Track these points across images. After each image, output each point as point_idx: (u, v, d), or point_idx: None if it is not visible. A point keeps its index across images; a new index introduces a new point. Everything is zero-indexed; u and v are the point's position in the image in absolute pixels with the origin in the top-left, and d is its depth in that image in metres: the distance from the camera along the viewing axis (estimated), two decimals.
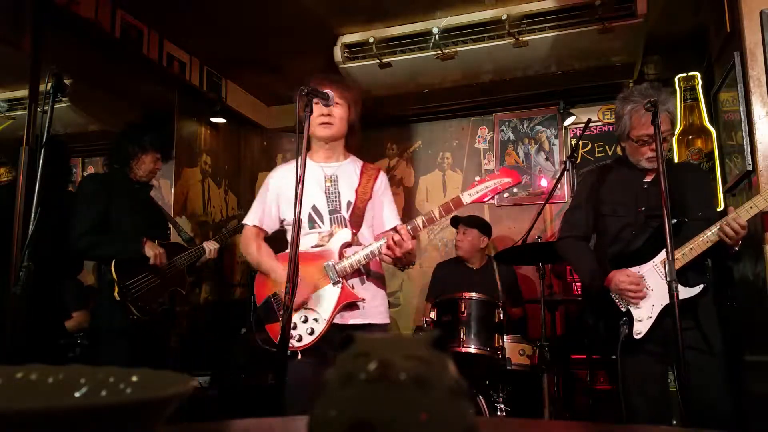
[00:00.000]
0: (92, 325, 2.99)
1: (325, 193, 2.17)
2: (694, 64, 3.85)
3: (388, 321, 2.21)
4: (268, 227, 2.28)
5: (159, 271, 2.91)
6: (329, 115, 2.13)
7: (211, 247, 3.25)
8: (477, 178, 2.00)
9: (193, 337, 4.58)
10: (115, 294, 2.73)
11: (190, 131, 4.72)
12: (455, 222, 3.90)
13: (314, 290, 2.06)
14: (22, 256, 1.94)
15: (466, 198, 1.92)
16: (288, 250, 2.14)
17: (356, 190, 2.18)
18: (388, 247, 1.98)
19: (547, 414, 3.13)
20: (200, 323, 4.70)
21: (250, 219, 2.28)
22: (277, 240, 2.35)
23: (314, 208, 2.16)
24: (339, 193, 2.17)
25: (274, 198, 2.25)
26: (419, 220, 1.98)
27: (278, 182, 2.25)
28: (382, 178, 2.28)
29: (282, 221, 2.27)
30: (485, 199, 1.90)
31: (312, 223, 2.15)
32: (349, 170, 2.24)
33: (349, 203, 2.16)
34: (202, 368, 4.28)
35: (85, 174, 4.84)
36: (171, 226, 3.38)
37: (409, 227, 2.00)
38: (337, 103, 2.13)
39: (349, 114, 2.20)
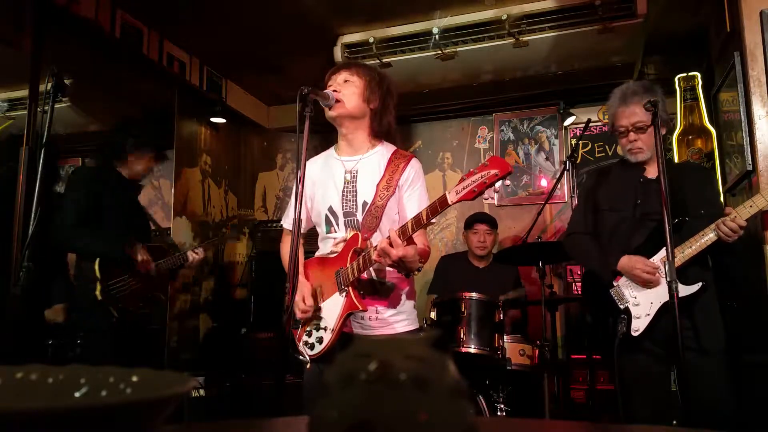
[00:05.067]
0: (72, 323, 2.89)
1: (342, 192, 2.03)
2: (694, 64, 3.85)
3: (411, 328, 2.05)
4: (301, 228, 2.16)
5: (141, 274, 2.85)
6: (336, 91, 2.00)
7: (194, 256, 3.17)
8: (470, 171, 1.74)
9: (193, 337, 4.58)
10: (97, 293, 2.68)
11: (190, 131, 4.72)
12: (473, 222, 3.84)
13: (321, 294, 2.01)
14: (22, 256, 1.94)
15: (452, 197, 1.69)
16: (317, 254, 2.12)
17: (377, 186, 1.99)
18: (378, 255, 1.79)
19: (547, 414, 3.13)
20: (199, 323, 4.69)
21: (284, 220, 2.22)
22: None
23: (330, 210, 2.04)
24: (356, 192, 2.02)
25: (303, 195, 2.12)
26: (408, 224, 1.80)
27: (305, 179, 2.10)
28: (411, 168, 2.03)
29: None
30: (473, 197, 1.66)
31: (329, 227, 2.06)
32: (372, 163, 2.05)
33: (365, 203, 1.99)
34: (201, 368, 4.29)
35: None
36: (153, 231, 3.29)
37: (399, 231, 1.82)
38: (347, 81, 2.03)
39: (364, 93, 2.03)
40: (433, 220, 1.91)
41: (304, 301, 1.98)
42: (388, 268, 1.94)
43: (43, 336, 3.01)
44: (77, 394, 0.45)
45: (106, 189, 2.87)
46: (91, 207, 2.78)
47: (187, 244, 4.23)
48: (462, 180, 1.69)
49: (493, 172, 1.62)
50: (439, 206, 1.74)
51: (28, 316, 2.55)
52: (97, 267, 2.72)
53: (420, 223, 1.77)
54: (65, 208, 2.74)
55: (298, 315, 1.99)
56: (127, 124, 3.00)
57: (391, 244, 1.75)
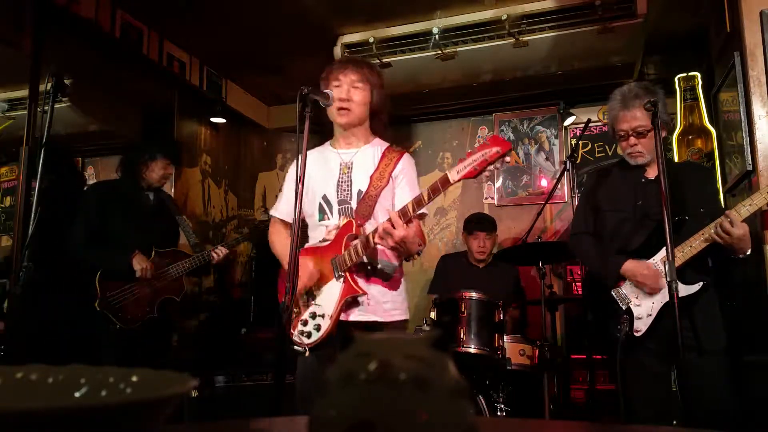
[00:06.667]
0: (78, 332, 3.03)
1: (338, 182, 2.07)
2: (694, 64, 3.85)
3: (402, 318, 2.07)
4: (291, 218, 2.15)
5: (147, 281, 2.95)
6: (348, 100, 2.02)
7: (218, 252, 3.22)
8: (469, 151, 1.77)
9: (194, 338, 4.58)
10: (96, 305, 2.81)
11: (190, 131, 4.72)
12: (473, 228, 3.82)
13: (316, 282, 2.02)
14: (22, 256, 1.94)
15: (454, 175, 1.70)
16: (308, 244, 2.13)
17: (371, 177, 2.04)
18: (380, 236, 1.82)
19: (547, 414, 3.13)
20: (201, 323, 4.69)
21: (274, 209, 2.24)
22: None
23: (325, 198, 2.08)
24: (351, 182, 2.06)
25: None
26: (409, 205, 1.82)
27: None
28: (404, 162, 2.09)
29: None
30: (475, 174, 1.67)
31: (322, 215, 2.09)
32: (367, 156, 2.11)
33: (359, 192, 2.03)
34: (201, 368, 4.28)
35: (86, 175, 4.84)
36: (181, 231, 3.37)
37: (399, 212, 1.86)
38: (357, 87, 2.04)
39: (371, 98, 2.08)
40: (425, 211, 1.95)
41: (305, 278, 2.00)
42: (380, 250, 1.96)
43: (42, 336, 3.03)
44: (77, 394, 0.45)
45: (119, 202, 3.00)
46: (99, 224, 2.94)
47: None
48: (462, 160, 1.70)
49: (494, 149, 1.64)
50: (441, 186, 1.76)
51: (28, 315, 2.58)
52: (96, 281, 2.85)
53: (421, 203, 1.81)
54: (76, 229, 2.91)
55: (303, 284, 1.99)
56: (139, 140, 3.24)
57: (393, 226, 1.78)
